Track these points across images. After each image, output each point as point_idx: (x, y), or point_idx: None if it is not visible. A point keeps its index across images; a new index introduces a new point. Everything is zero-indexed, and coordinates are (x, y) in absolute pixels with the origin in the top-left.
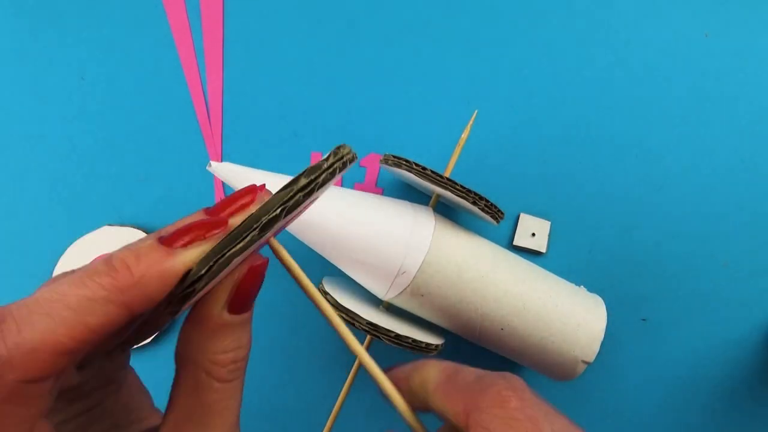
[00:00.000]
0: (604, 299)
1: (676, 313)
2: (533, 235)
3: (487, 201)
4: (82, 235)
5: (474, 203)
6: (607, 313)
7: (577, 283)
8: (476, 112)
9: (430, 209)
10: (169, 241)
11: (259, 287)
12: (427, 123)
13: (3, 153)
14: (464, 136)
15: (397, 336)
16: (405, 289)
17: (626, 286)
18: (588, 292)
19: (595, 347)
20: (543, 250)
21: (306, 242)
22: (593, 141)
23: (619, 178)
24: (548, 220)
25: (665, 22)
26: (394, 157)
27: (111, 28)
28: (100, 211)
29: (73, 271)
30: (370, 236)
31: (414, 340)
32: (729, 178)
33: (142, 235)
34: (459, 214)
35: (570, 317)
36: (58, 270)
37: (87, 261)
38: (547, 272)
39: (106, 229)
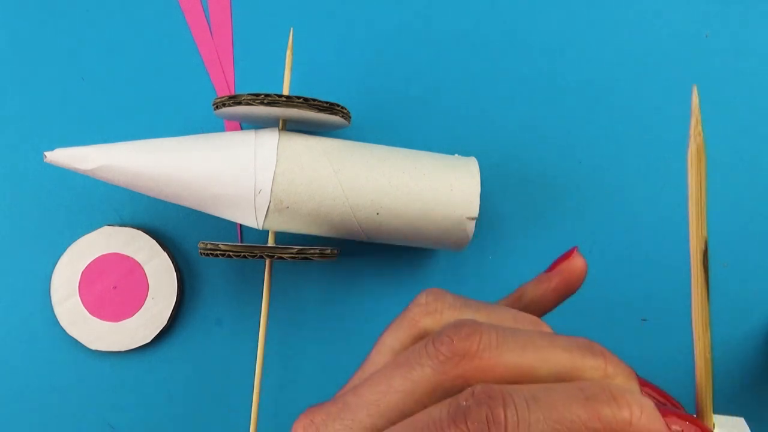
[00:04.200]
0: (604, 299)
1: (676, 313)
2: None
3: (329, 102)
4: (82, 235)
5: (319, 111)
6: (607, 313)
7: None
8: (292, 29)
9: (274, 129)
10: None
11: None
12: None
13: (2, 152)
14: (289, 54)
15: (300, 251)
16: (269, 207)
17: (626, 286)
18: (460, 156)
19: (475, 201)
20: None
21: (178, 203)
22: (592, 141)
23: (619, 178)
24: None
25: (665, 22)
26: (228, 97)
27: (114, 29)
28: (100, 211)
29: None
30: (216, 167)
31: (300, 249)
32: (729, 178)
33: (142, 235)
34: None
35: (441, 180)
36: (58, 270)
37: (87, 261)
38: (414, 150)
39: (106, 229)
